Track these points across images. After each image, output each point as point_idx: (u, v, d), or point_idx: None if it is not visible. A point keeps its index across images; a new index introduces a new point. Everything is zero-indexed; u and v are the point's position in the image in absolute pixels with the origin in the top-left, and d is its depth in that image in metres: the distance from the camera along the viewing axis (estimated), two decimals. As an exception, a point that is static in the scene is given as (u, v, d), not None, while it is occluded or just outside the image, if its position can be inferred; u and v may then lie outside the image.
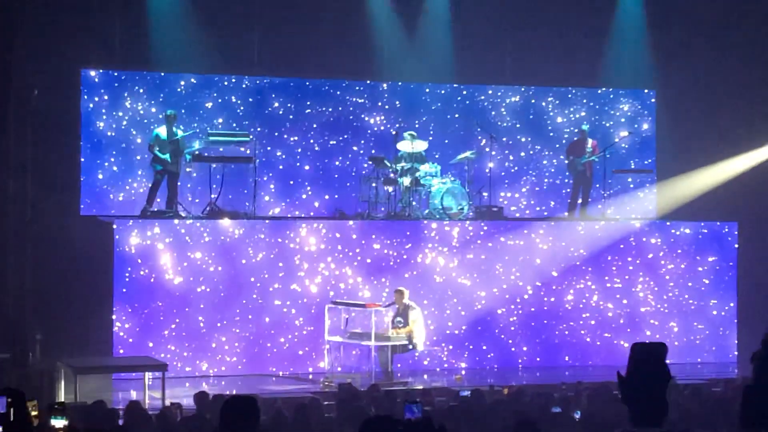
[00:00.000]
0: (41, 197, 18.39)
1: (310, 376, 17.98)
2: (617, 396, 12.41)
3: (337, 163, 21.30)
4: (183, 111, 19.97)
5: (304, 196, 21.12)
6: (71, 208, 19.36)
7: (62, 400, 14.61)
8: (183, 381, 16.93)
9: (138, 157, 19.94)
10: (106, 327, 17.63)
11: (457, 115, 21.93)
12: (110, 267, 17.72)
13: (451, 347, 18.98)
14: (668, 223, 20.63)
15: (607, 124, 22.62)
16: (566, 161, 21.28)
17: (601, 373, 16.66)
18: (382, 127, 21.42)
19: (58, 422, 4.13)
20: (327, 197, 21.17)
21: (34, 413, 5.94)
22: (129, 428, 10.33)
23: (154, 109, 20.20)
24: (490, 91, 22.18)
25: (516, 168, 22.21)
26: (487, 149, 20.89)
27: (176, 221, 18.21)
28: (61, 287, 18.09)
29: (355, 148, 21.36)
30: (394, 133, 20.47)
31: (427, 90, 21.88)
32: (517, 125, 22.26)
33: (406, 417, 6.14)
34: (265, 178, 20.61)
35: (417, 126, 21.17)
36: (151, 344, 17.68)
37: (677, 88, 22.10)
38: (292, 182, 21.08)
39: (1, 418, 3.04)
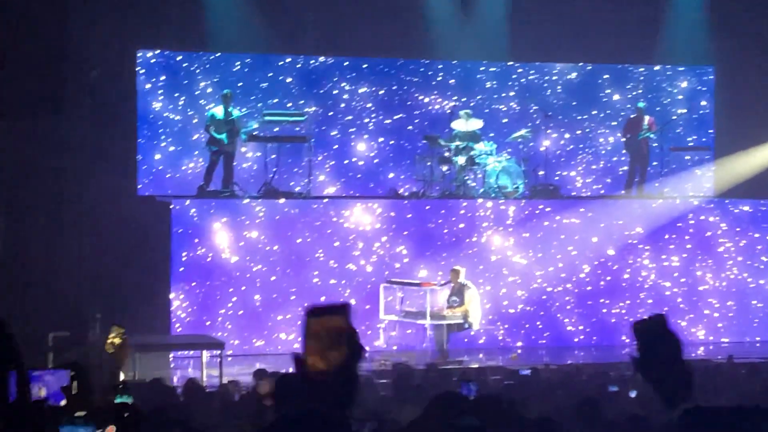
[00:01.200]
0: (99, 177, 18.54)
1: (366, 355, 18.00)
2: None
3: (391, 142, 21.28)
4: (238, 91, 20.04)
5: (358, 176, 21.13)
6: (128, 188, 19.51)
7: (121, 377, 14.77)
8: (240, 359, 17.04)
9: (195, 137, 20.04)
10: (163, 306, 17.78)
11: (512, 93, 21.82)
12: (168, 246, 17.85)
13: (506, 326, 18.93)
14: (726, 201, 20.43)
15: (665, 101, 22.40)
16: (623, 139, 21.10)
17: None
18: (437, 106, 21.36)
19: (123, 400, 4.18)
20: (382, 177, 21.16)
21: (117, 340, 6.03)
22: (187, 406, 10.41)
23: (210, 90, 20.28)
24: (545, 69, 22.04)
25: (572, 146, 22.06)
26: (543, 127, 20.78)
27: (233, 201, 18.30)
28: (119, 266, 18.25)
29: (410, 127, 21.31)
30: (449, 111, 20.41)
31: (482, 68, 21.78)
32: (573, 103, 22.10)
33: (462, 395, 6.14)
34: (320, 158, 20.64)
35: (472, 104, 21.09)
36: (208, 323, 17.80)
37: (736, 64, 21.82)
38: (346, 161, 21.10)
39: (66, 390, 3.08)
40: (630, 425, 7.03)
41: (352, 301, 18.23)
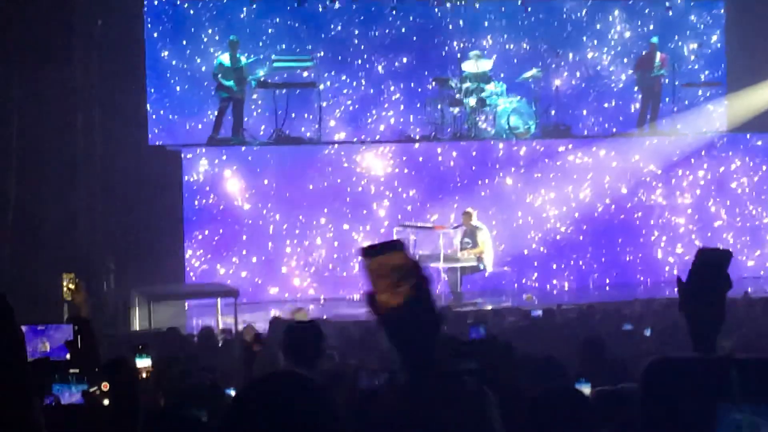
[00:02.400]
0: (109, 128, 18.49)
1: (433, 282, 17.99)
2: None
3: (401, 85, 21.17)
4: (246, 37, 19.92)
5: (369, 120, 21.04)
6: (139, 138, 19.45)
7: (136, 328, 14.83)
8: (254, 306, 17.07)
9: (204, 84, 19.95)
10: (177, 255, 17.81)
11: (521, 33, 21.65)
12: (179, 195, 17.86)
13: (520, 267, 18.92)
14: (739, 136, 20.31)
15: (676, 37, 22.20)
16: (635, 76, 20.95)
17: (673, 290, 16.52)
18: (447, 48, 21.21)
19: (143, 362, 4.15)
20: (392, 120, 21.07)
21: (72, 285, 6.01)
22: (204, 353, 10.45)
23: (217, 37, 20.17)
24: (555, 7, 21.84)
25: (583, 85, 21.91)
26: (554, 66, 20.63)
27: (243, 148, 18.27)
28: (131, 217, 18.24)
29: (419, 70, 21.19)
30: (458, 54, 20.25)
31: (491, 8, 21.60)
32: (584, 40, 21.92)
33: (471, 338, 6.13)
34: (330, 102, 20.55)
35: (482, 45, 20.94)
36: (222, 271, 17.84)
37: (746, -1, 21.61)
38: (357, 106, 21.00)
39: (69, 345, 3.07)
40: (633, 365, 7.01)
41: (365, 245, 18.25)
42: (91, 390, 2.72)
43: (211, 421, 4.41)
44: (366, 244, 2.70)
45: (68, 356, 3.04)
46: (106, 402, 2.63)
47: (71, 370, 2.93)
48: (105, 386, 2.67)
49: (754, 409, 1.92)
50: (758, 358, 1.97)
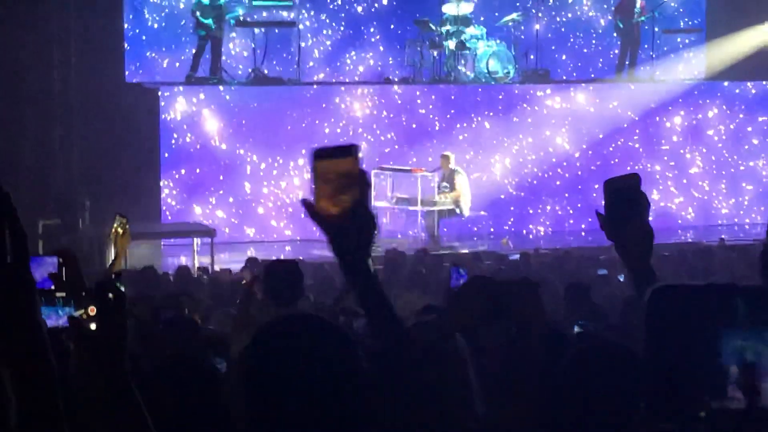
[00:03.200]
0: (86, 65, 18.34)
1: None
2: (664, 256, 12.41)
3: (381, 27, 21.04)
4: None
5: (348, 62, 20.93)
6: (116, 75, 19.31)
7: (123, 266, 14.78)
8: (231, 247, 17.07)
9: (182, 22, 19.78)
10: (153, 194, 17.75)
11: (503, -24, 21.51)
12: (156, 134, 17.77)
13: (497, 211, 18.96)
14: (717, 83, 20.33)
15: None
16: (614, 22, 20.89)
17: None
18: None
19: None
20: (371, 62, 20.97)
21: (120, 230, 6.02)
22: (179, 292, 10.44)
23: (196, -26, 19.96)
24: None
25: (563, 29, 21.84)
26: (534, 11, 20.55)
27: (221, 87, 18.17)
28: (108, 154, 18.16)
29: (399, 12, 21.06)
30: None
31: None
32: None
33: (452, 281, 6.16)
34: (310, 42, 20.42)
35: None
36: (198, 211, 17.81)
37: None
38: (336, 47, 20.89)
39: (54, 278, 3.04)
40: (619, 307, 7.07)
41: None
42: (78, 314, 2.70)
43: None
44: (319, 146, 2.62)
45: (53, 287, 3.02)
46: (93, 326, 2.61)
47: (57, 294, 2.90)
48: (92, 310, 2.65)
49: (758, 335, 1.95)
50: (761, 286, 1.99)
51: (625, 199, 3.16)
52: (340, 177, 2.55)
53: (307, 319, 2.66)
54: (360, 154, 2.60)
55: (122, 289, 2.63)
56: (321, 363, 2.47)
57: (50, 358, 2.11)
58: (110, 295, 2.58)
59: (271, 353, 2.52)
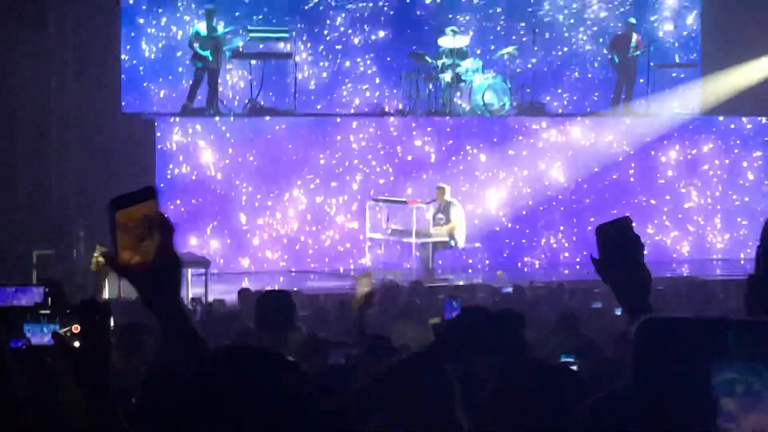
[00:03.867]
0: (83, 94, 18.38)
1: (352, 273, 18.05)
2: (657, 290, 12.40)
3: (378, 59, 21.11)
4: (223, 7, 19.80)
5: (344, 93, 20.98)
6: (113, 105, 19.34)
7: (106, 296, 14.77)
8: (225, 277, 17.04)
9: (179, 54, 19.84)
10: (149, 224, 17.70)
11: (499, 10, 21.62)
12: (152, 164, 17.78)
13: (492, 244, 18.95)
14: (712, 118, 20.39)
15: (652, 18, 22.24)
16: (610, 56, 20.97)
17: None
18: (424, 23, 21.16)
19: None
20: (368, 94, 21.03)
21: (101, 259, 6.05)
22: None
23: (193, 5, 20.05)
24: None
25: (559, 63, 21.92)
26: (530, 44, 20.62)
27: (217, 118, 18.20)
28: (103, 184, 18.15)
29: (395, 44, 21.14)
30: (435, 30, 20.18)
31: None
32: (561, 19, 21.93)
33: (446, 313, 6.15)
34: (306, 74, 20.47)
35: (459, 21, 20.90)
36: (193, 241, 17.79)
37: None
38: (332, 79, 20.94)
39: (38, 306, 3.03)
40: (612, 341, 7.06)
41: (338, 219, 18.25)
42: (62, 331, 2.70)
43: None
44: (116, 196, 2.56)
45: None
46: (76, 344, 2.61)
47: (42, 312, 2.89)
48: (76, 328, 2.65)
49: (749, 367, 1.95)
50: (753, 320, 2.00)
51: (618, 243, 3.17)
52: (140, 223, 2.49)
53: (254, 352, 2.63)
54: (157, 197, 2.54)
55: (108, 307, 2.62)
56: (262, 395, 2.44)
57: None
58: (95, 314, 2.60)
59: (213, 384, 2.50)
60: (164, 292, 2.53)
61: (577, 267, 18.74)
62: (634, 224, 3.24)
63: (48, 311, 2.82)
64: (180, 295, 2.57)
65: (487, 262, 18.73)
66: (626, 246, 3.16)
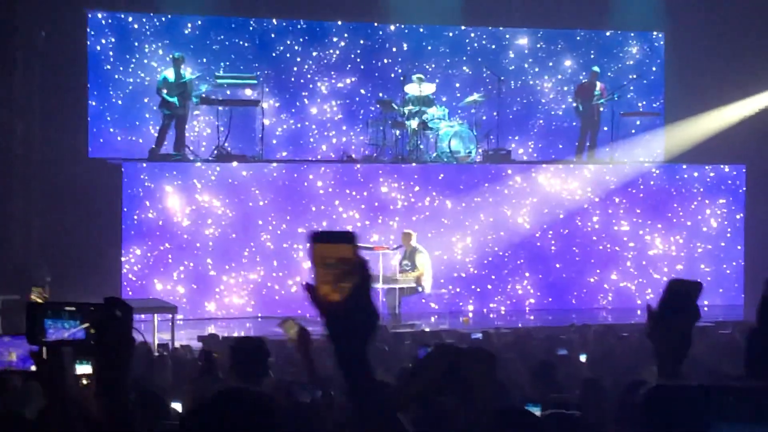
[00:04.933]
0: (49, 139, 18.38)
1: (318, 319, 18.00)
2: (623, 337, 12.48)
3: (344, 106, 21.25)
4: (190, 53, 19.91)
5: (311, 140, 21.09)
6: (79, 150, 19.36)
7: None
8: (191, 323, 17.01)
9: (146, 100, 19.91)
10: (114, 269, 17.70)
11: (465, 58, 21.85)
12: (119, 209, 17.77)
13: (458, 290, 19.03)
14: (676, 166, 20.60)
15: (615, 67, 22.51)
16: (574, 104, 21.19)
17: (608, 316, 16.71)
18: (390, 70, 21.34)
19: (83, 368, 4.05)
20: (334, 140, 21.14)
21: (39, 300, 6.02)
22: (138, 369, 10.38)
23: (161, 52, 20.14)
24: (498, 34, 22.08)
25: (524, 111, 22.14)
26: (495, 92, 20.81)
27: (184, 164, 18.22)
28: (69, 229, 18.13)
29: (362, 91, 21.30)
30: (402, 77, 20.35)
31: (435, 32, 21.78)
32: (526, 67, 22.17)
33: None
34: (273, 120, 20.57)
35: (425, 69, 21.08)
36: (159, 286, 17.76)
37: (686, 31, 21.93)
38: (299, 125, 21.05)
39: (34, 356, 3.01)
40: (584, 388, 7.11)
41: (305, 265, 18.25)
42: (83, 327, 2.73)
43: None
44: (318, 230, 2.62)
45: (33, 367, 3.01)
46: (92, 342, 2.66)
47: (67, 308, 2.88)
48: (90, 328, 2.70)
49: (747, 429, 2.04)
50: (750, 386, 2.08)
51: (680, 305, 3.22)
52: (340, 263, 2.54)
53: (238, 394, 2.67)
54: (356, 243, 2.60)
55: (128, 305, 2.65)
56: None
57: None
58: (117, 311, 2.64)
59: (202, 427, 2.54)
60: (353, 335, 2.55)
61: (544, 314, 18.84)
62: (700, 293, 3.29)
63: (72, 308, 2.83)
64: (367, 344, 2.57)
65: (452, 308, 18.78)
66: (686, 310, 3.22)
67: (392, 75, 21.20)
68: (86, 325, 2.73)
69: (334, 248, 2.52)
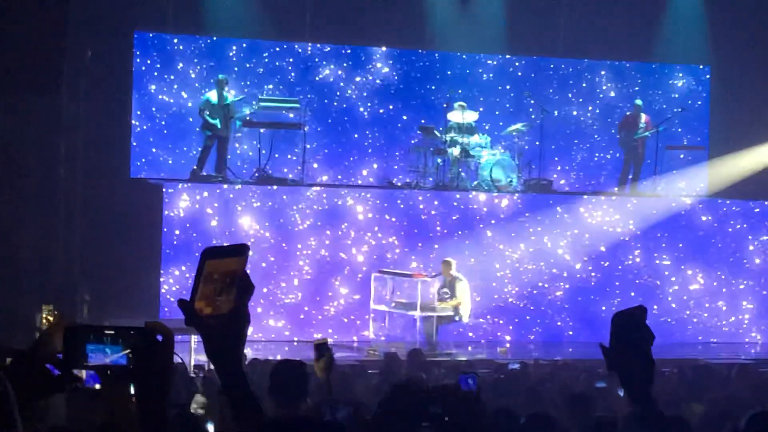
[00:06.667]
0: (92, 158, 18.48)
1: (355, 344, 18.00)
2: (662, 373, 12.33)
3: (386, 132, 21.24)
4: (234, 76, 19.98)
5: (352, 165, 21.08)
6: (121, 169, 19.46)
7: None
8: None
9: (189, 120, 19.97)
10: (153, 289, 17.72)
11: (508, 87, 21.80)
12: (159, 230, 17.81)
13: (496, 319, 18.90)
14: (719, 201, 20.42)
15: (661, 100, 22.38)
16: (618, 136, 21.08)
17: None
18: (433, 97, 21.31)
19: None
20: (375, 166, 21.12)
21: (51, 318, 6.01)
22: (175, 390, 10.36)
23: (205, 74, 20.22)
24: (542, 63, 22.02)
25: (567, 142, 22.03)
26: (538, 122, 20.73)
27: (225, 186, 18.26)
28: (109, 248, 18.19)
29: (405, 118, 21.27)
30: (445, 104, 20.31)
31: (479, 60, 21.75)
32: (569, 98, 22.09)
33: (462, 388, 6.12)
34: (314, 145, 20.58)
35: (468, 97, 21.03)
36: (197, 308, 17.72)
37: (732, 64, 21.80)
38: (341, 150, 21.05)
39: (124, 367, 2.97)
40: (623, 423, 7.00)
41: (343, 290, 18.22)
42: (125, 353, 2.70)
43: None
44: (211, 246, 2.60)
45: (97, 386, 2.97)
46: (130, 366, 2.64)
47: (106, 332, 2.85)
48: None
49: None
50: None
51: (629, 332, 3.22)
52: (223, 277, 2.54)
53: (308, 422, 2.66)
54: (249, 254, 2.59)
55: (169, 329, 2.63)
56: None
57: None
58: (158, 336, 2.62)
59: None
60: (227, 347, 2.55)
61: (582, 347, 18.67)
62: (646, 314, 3.28)
63: (112, 332, 2.79)
64: (242, 353, 2.60)
65: (490, 337, 18.66)
66: (636, 336, 3.20)
67: (432, 101, 21.15)
68: (128, 351, 2.70)
69: (223, 263, 2.53)
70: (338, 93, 21.11)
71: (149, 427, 2.55)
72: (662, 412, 3.21)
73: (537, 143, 20.47)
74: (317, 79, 20.99)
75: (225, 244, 2.57)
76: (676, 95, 22.55)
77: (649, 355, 3.20)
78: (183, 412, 6.28)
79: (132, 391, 2.73)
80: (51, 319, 5.67)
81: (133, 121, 19.92)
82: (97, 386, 2.93)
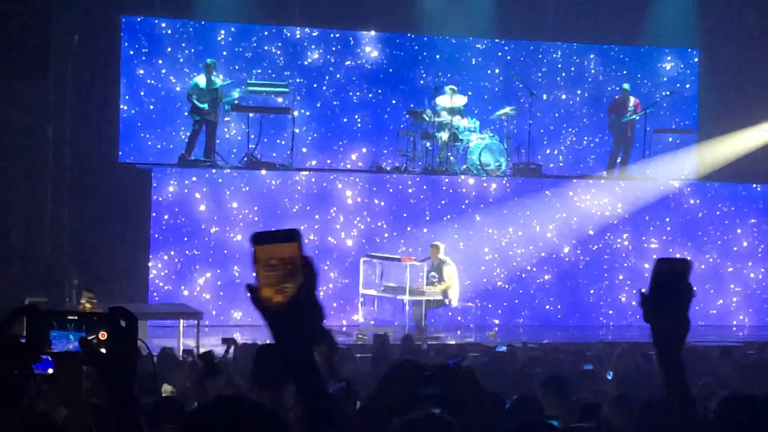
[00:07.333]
0: (80, 143, 18.45)
1: (344, 329, 18.01)
2: (651, 357, 12.36)
3: (375, 116, 21.22)
4: (222, 60, 19.94)
5: (341, 149, 21.07)
6: (110, 154, 19.42)
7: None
8: (217, 330, 16.97)
9: (177, 105, 19.94)
10: (141, 274, 17.71)
11: (497, 71, 21.79)
12: (147, 214, 17.78)
13: (485, 303, 18.93)
14: (707, 184, 20.45)
15: (649, 83, 22.39)
16: (608, 119, 21.08)
17: (635, 333, 16.54)
18: (422, 81, 21.29)
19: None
20: (364, 150, 21.11)
21: (88, 305, 6.01)
22: (162, 374, 10.37)
23: (193, 58, 20.17)
24: (531, 47, 22.00)
25: (555, 125, 22.04)
26: (527, 106, 20.73)
27: (214, 170, 18.24)
28: (98, 233, 18.18)
29: (393, 102, 21.26)
30: (434, 87, 20.29)
31: (468, 44, 21.73)
32: (558, 82, 22.08)
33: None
34: (303, 129, 20.56)
35: (457, 80, 21.01)
36: (186, 292, 17.75)
37: (721, 48, 21.81)
38: (329, 134, 21.03)
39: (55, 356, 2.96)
40: (605, 405, 7.03)
41: (332, 275, 18.23)
42: (90, 338, 2.69)
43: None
44: (259, 231, 2.55)
45: (50, 370, 2.97)
46: (103, 350, 2.62)
47: (69, 317, 2.85)
48: (102, 335, 2.66)
49: None
50: None
51: (671, 284, 3.10)
52: (283, 263, 2.47)
53: (235, 403, 2.62)
54: (302, 240, 2.53)
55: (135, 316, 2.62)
56: None
57: None
58: (121, 321, 2.61)
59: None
60: (299, 336, 2.49)
61: (571, 330, 18.72)
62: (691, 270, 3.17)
63: (75, 318, 2.79)
64: (315, 342, 2.53)
65: (479, 321, 18.69)
66: (678, 290, 3.10)
67: (421, 85, 21.13)
68: (92, 336, 2.69)
69: (278, 248, 2.46)
70: (327, 77, 21.08)
71: (120, 412, 2.54)
72: (689, 388, 3.14)
73: (526, 127, 20.47)
74: (306, 63, 20.96)
75: (273, 230, 2.50)
76: (665, 79, 22.55)
77: (687, 314, 3.11)
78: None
79: (85, 376, 2.73)
80: (89, 306, 5.71)
81: (122, 106, 19.88)
82: (50, 371, 2.93)
